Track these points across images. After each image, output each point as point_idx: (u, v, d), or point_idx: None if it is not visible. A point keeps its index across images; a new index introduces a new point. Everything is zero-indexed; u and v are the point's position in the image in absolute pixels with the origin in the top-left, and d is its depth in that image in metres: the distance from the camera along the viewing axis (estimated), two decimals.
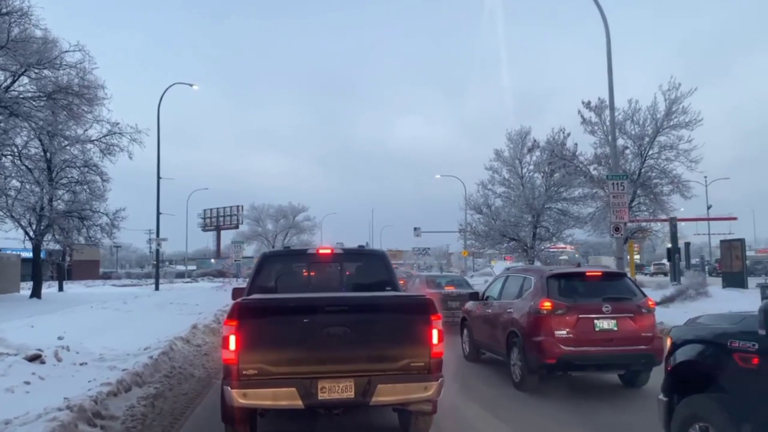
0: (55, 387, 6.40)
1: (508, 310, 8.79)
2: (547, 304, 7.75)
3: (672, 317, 14.04)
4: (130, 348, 9.54)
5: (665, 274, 55.41)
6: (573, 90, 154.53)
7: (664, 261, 67.70)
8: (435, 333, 4.86)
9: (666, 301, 17.78)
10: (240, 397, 4.57)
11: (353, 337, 4.74)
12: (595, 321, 7.63)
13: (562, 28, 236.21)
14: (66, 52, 21.10)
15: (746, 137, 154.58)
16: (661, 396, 4.38)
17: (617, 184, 17.28)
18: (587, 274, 8.60)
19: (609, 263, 70.66)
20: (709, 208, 55.11)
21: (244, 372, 4.62)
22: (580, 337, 7.55)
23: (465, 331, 10.98)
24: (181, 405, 6.84)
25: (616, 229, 17.27)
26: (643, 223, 25.36)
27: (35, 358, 7.20)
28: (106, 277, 71.80)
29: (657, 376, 7.68)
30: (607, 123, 24.06)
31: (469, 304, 11.03)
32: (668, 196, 23.76)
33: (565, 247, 58.19)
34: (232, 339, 4.62)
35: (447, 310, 13.71)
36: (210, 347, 11.07)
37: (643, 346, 7.66)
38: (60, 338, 9.66)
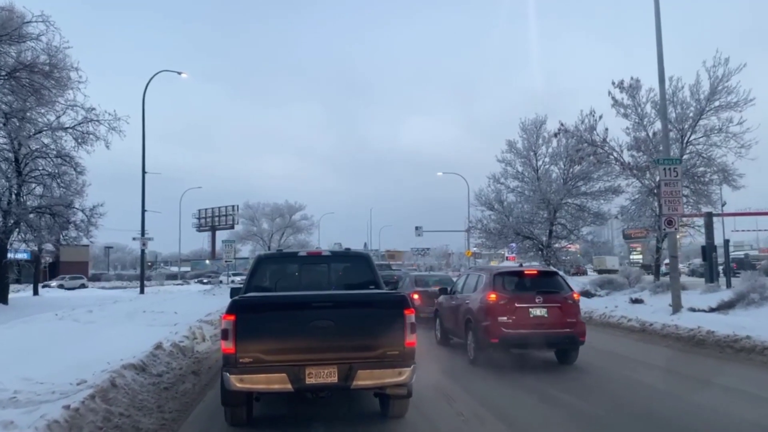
0: None
1: (466, 302, 10.51)
2: (493, 296, 9.50)
3: (752, 326, 11.44)
4: (62, 379, 6.90)
5: (685, 275, 52.84)
6: (585, 91, 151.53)
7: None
8: (408, 325, 5.46)
9: (724, 306, 15.17)
10: (237, 382, 5.17)
11: (337, 329, 5.36)
12: (530, 309, 9.36)
13: (574, 26, 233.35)
14: (27, 22, 18.44)
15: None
16: None
17: (669, 170, 14.65)
18: (525, 272, 10.29)
19: (613, 264, 68.16)
20: (723, 205, 52.55)
21: (240, 360, 5.20)
22: (518, 321, 9.27)
23: (438, 320, 12.80)
24: None
25: (669, 223, 14.66)
26: (684, 218, 22.70)
27: None
28: (96, 279, 69.06)
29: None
30: (642, 104, 21.53)
31: (441, 298, 12.70)
32: (718, 186, 21.13)
33: (569, 247, 55.56)
34: (231, 332, 5.21)
35: (433, 306, 14.49)
36: (175, 377, 8.13)
37: (567, 330, 9.38)
38: None
